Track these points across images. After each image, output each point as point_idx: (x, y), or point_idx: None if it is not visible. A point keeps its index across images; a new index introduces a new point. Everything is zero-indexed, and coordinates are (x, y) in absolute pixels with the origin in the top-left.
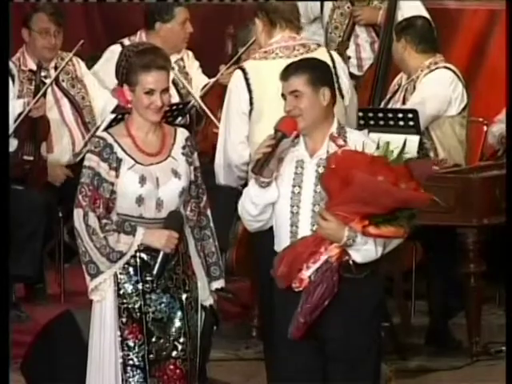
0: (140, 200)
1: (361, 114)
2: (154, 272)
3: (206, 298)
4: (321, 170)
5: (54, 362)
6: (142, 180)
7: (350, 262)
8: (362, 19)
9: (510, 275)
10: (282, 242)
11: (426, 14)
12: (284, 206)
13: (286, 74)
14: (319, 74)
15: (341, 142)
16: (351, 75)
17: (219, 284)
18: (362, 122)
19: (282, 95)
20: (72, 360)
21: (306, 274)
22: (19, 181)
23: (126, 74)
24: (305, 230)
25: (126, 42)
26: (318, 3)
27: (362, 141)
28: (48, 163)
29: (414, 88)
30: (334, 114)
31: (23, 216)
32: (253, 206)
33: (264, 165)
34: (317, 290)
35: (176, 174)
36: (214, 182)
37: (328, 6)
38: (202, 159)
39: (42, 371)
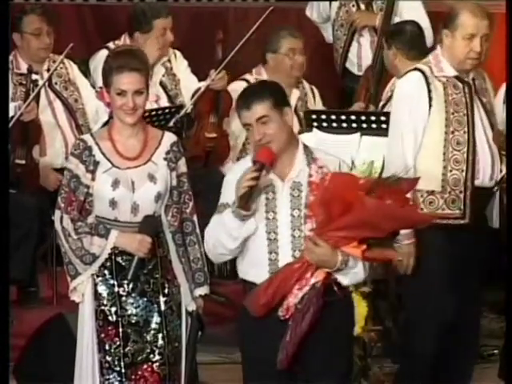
0: (113, 203)
1: (353, 117)
2: (129, 276)
3: (189, 304)
4: (295, 193)
5: (46, 365)
6: (115, 184)
7: (334, 286)
8: (359, 22)
9: (510, 276)
10: (259, 270)
11: (425, 16)
12: (260, 234)
13: (247, 102)
14: (281, 95)
15: (321, 163)
16: (351, 74)
17: (203, 290)
18: (354, 125)
19: (246, 125)
20: (64, 363)
21: (293, 301)
22: (11, 184)
23: (104, 75)
24: (285, 256)
25: (112, 45)
26: (329, 2)
27: (337, 162)
28: (40, 167)
29: None
30: (297, 135)
31: (15, 219)
32: (231, 239)
33: (249, 199)
34: (305, 318)
35: (152, 178)
36: (205, 186)
37: (335, 4)
38: (195, 164)
39: (34, 374)
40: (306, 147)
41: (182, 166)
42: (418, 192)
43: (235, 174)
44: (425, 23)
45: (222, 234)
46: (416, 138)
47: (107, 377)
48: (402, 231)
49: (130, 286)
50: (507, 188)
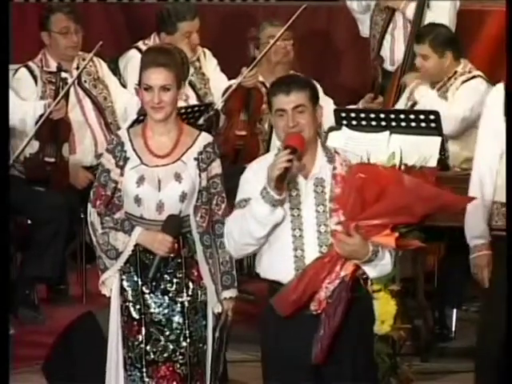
0: (138, 200)
1: (383, 115)
2: (150, 274)
3: (215, 305)
4: (319, 189)
5: (75, 363)
6: (140, 181)
7: (361, 281)
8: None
9: (510, 274)
10: (283, 268)
11: (453, 16)
12: (284, 231)
13: (288, 88)
14: (316, 91)
15: (343, 157)
16: (382, 69)
17: (229, 293)
18: (383, 123)
19: (279, 110)
20: (93, 360)
21: (325, 295)
22: (41, 182)
23: (139, 73)
24: (312, 252)
25: (141, 45)
26: None
27: (358, 157)
28: (70, 165)
29: (446, 94)
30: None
31: (45, 217)
32: (260, 227)
33: (284, 180)
34: (337, 311)
35: (178, 177)
36: (234, 185)
37: None
38: (224, 162)
39: (63, 372)
40: (323, 145)
41: (216, 167)
42: (494, 204)
43: (254, 171)
44: (448, 21)
45: (250, 222)
46: (493, 148)
47: (129, 373)
48: (474, 243)
49: (153, 283)
50: (507, 187)
